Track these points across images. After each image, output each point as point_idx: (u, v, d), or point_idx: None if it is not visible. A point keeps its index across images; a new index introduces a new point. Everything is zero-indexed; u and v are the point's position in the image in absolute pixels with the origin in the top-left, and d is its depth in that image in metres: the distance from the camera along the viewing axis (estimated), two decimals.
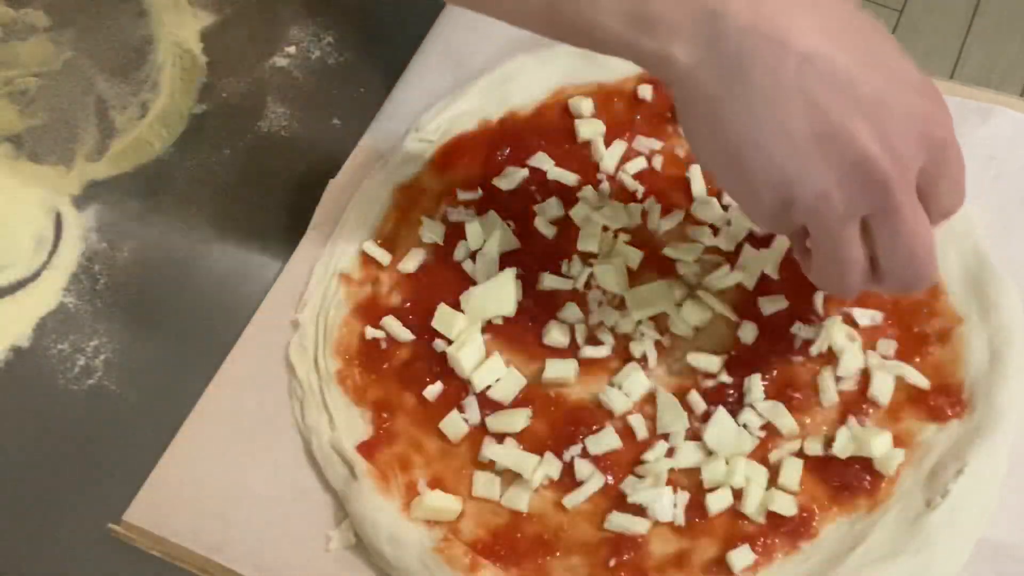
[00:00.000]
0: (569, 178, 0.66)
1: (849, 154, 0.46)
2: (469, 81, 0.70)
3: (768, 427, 0.57)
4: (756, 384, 0.58)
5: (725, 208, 0.64)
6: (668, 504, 0.55)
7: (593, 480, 0.57)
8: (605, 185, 0.66)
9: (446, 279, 0.63)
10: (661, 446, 0.57)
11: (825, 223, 0.49)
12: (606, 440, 0.57)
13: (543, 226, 0.64)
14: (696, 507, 0.56)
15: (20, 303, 0.65)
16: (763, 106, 0.47)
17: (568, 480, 0.57)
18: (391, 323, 0.62)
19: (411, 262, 0.64)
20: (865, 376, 0.58)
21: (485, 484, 0.57)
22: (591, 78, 0.69)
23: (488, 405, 0.59)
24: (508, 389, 0.59)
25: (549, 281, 0.62)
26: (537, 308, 0.61)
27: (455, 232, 0.65)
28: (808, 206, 0.48)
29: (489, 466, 0.58)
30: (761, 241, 0.63)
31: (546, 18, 0.50)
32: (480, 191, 0.66)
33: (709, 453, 0.57)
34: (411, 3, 0.76)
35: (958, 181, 0.51)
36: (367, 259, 0.65)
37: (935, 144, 0.48)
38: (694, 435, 0.58)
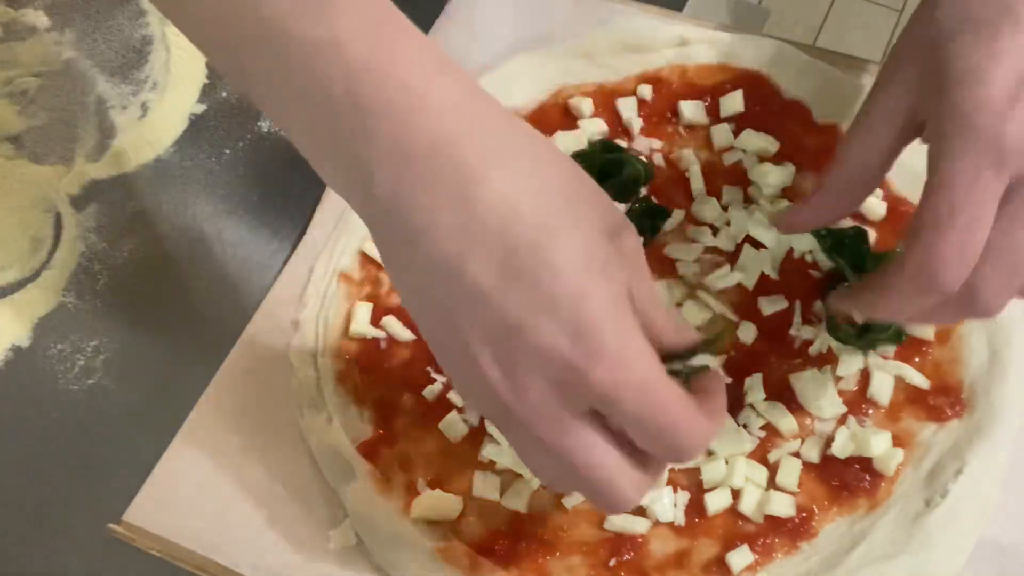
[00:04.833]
0: None
1: (475, 376, 0.41)
2: None
3: (768, 427, 0.58)
4: (756, 384, 0.58)
5: (725, 208, 0.64)
6: (668, 504, 0.55)
7: None
8: None
9: None
10: None
11: (498, 426, 0.44)
12: None
13: None
14: (696, 507, 0.56)
15: (20, 303, 0.65)
16: (410, 291, 0.43)
17: None
18: (391, 323, 0.62)
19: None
20: (865, 376, 0.58)
21: (485, 484, 0.57)
22: (591, 78, 0.69)
23: None
24: None
25: None
26: None
27: None
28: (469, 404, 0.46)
29: (489, 466, 0.58)
30: (761, 241, 0.63)
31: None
32: None
33: (709, 453, 0.57)
34: (411, 3, 0.75)
35: (653, 432, 0.40)
36: (367, 259, 0.65)
37: (587, 392, 0.39)
38: None
